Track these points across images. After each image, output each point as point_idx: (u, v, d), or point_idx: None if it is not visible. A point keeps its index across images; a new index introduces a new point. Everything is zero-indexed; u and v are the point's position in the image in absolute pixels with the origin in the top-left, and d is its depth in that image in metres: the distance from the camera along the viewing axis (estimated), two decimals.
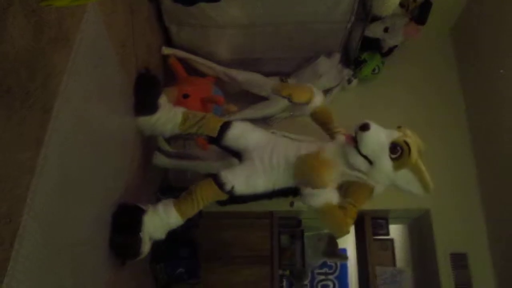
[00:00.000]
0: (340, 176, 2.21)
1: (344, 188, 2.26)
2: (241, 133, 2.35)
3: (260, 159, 2.25)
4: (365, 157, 2.07)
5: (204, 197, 2.20)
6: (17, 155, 1.22)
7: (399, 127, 2.15)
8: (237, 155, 2.39)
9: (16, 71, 1.20)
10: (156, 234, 2.15)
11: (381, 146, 2.03)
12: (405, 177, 2.09)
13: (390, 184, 2.17)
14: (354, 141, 2.08)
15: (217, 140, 2.36)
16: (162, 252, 2.87)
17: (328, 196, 2.15)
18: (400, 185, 2.14)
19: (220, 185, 2.18)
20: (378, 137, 2.03)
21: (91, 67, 1.75)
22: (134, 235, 2.06)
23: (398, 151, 2.02)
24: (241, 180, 2.22)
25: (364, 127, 2.02)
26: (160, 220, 2.13)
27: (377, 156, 2.04)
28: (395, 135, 2.07)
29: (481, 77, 3.56)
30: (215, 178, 2.20)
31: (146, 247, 2.11)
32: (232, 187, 2.19)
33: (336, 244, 3.79)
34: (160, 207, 2.15)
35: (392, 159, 2.03)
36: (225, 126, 2.34)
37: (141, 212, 2.10)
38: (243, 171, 2.26)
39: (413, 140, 2.08)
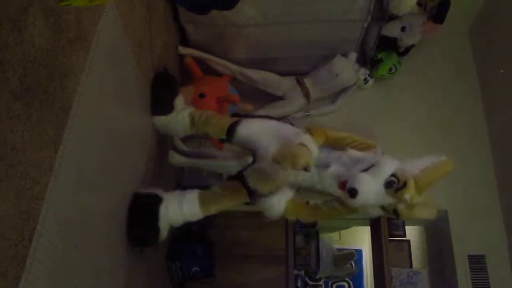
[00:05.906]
0: None
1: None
2: (249, 133, 2.30)
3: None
4: None
5: (232, 201, 2.21)
6: (36, 154, 1.23)
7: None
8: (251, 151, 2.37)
9: (36, 70, 1.21)
10: (174, 223, 2.18)
11: (374, 197, 1.97)
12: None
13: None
14: (347, 192, 1.98)
15: (227, 141, 2.36)
16: (177, 251, 2.89)
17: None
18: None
19: (251, 193, 2.17)
20: (367, 197, 1.96)
21: (109, 66, 1.76)
22: (151, 225, 2.09)
23: (394, 185, 1.95)
24: None
25: (352, 194, 1.94)
26: (182, 215, 2.15)
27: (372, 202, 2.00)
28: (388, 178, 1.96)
29: (500, 76, 3.50)
30: (246, 187, 2.17)
31: (163, 235, 2.15)
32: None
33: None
34: (185, 203, 2.15)
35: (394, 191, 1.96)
36: (232, 128, 2.30)
37: (158, 200, 2.12)
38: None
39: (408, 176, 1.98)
